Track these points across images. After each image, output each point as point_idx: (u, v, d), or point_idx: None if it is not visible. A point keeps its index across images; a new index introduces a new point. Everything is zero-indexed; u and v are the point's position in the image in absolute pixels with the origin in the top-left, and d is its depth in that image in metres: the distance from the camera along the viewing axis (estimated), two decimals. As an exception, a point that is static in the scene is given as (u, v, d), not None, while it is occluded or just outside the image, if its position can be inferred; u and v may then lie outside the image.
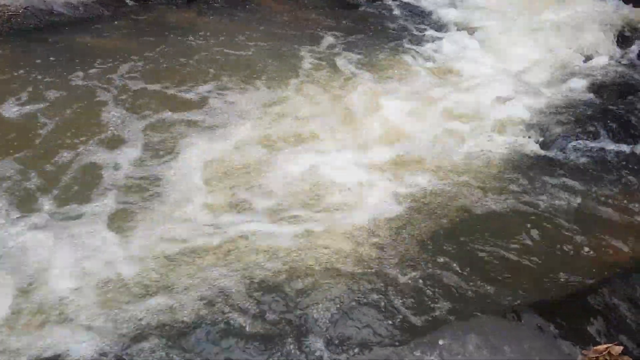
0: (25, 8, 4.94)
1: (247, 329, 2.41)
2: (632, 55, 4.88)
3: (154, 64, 4.39)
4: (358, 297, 2.56)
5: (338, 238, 2.89)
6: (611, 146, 3.63)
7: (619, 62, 4.76)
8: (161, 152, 3.49)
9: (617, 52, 4.91)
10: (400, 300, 2.55)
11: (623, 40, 5.08)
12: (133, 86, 4.10)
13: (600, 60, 4.74)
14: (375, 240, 2.89)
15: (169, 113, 3.84)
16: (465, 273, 2.70)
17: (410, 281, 2.64)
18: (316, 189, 3.25)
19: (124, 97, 3.97)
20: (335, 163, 3.46)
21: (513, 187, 3.31)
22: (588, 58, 4.82)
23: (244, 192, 3.21)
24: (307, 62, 4.58)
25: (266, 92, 4.15)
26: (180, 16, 5.19)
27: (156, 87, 4.12)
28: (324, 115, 3.91)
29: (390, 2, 5.82)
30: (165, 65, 4.38)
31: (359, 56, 4.74)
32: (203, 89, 4.13)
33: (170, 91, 4.09)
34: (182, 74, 4.28)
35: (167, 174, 3.31)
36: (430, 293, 2.59)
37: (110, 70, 4.26)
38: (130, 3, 5.29)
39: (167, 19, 5.12)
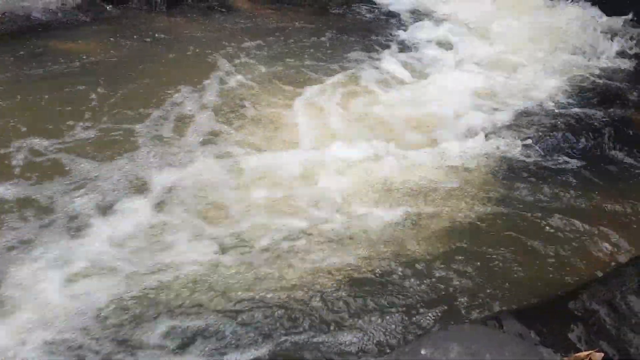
0: (2, 14, 4.88)
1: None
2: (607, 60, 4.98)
3: (119, 69, 4.31)
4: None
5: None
6: (586, 153, 3.67)
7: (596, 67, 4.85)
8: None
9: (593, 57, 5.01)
10: (380, 310, 2.54)
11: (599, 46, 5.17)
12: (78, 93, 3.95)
13: (577, 64, 4.82)
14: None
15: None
16: (444, 280, 2.69)
17: (389, 291, 2.64)
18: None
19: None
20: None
21: (487, 193, 3.30)
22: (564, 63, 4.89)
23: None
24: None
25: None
26: (159, 21, 5.16)
27: (102, 94, 3.96)
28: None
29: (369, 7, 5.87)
30: (128, 72, 4.27)
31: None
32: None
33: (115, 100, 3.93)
34: (141, 84, 4.14)
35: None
36: (410, 301, 2.58)
37: (71, 76, 4.15)
38: (110, 8, 5.25)
39: (147, 24, 5.07)
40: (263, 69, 4.49)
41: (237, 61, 4.55)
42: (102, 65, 4.35)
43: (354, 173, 3.39)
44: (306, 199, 3.17)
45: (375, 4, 5.96)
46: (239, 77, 4.32)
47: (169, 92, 4.01)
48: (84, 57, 4.41)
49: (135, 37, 4.82)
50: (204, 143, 3.56)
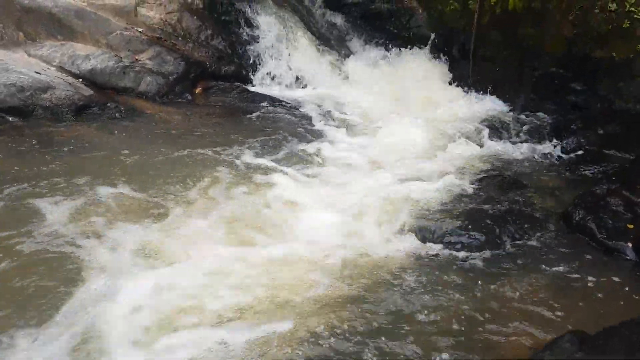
0: None
1: None
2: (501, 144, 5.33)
3: (16, 183, 4.08)
4: None
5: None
6: (489, 237, 3.75)
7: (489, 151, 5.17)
8: None
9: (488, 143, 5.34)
10: None
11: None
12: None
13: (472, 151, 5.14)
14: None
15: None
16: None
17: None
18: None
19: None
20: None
21: (396, 287, 3.27)
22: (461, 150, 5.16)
23: None
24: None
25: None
26: (65, 131, 5.03)
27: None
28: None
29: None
30: (27, 186, 4.04)
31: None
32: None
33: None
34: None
35: None
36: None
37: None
38: (12, 119, 5.09)
39: (51, 135, 4.93)
40: (161, 172, 4.44)
41: (134, 168, 4.46)
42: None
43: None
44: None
45: (286, 105, 6.16)
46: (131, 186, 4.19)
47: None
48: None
49: (37, 148, 4.65)
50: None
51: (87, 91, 5.66)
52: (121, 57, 6.06)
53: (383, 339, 2.86)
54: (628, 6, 5.27)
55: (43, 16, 6.10)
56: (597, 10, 5.51)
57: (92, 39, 6.16)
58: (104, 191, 4.08)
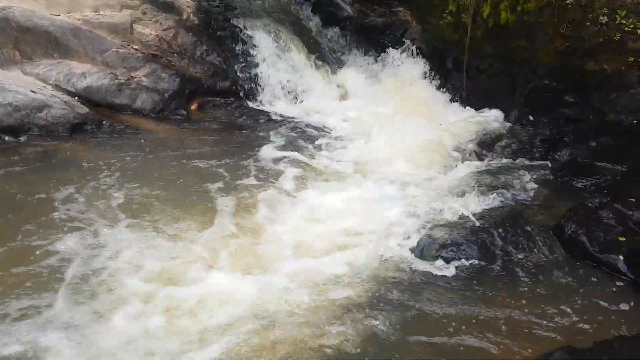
0: None
1: None
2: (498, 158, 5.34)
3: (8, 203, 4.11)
4: None
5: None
6: (485, 252, 3.75)
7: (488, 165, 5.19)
8: None
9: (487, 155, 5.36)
10: None
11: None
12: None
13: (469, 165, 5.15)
14: None
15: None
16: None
17: None
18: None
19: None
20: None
21: (384, 299, 3.30)
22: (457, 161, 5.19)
23: None
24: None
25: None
26: (61, 149, 5.06)
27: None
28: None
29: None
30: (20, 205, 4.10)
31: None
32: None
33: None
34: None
35: None
36: None
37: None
38: (8, 139, 5.12)
39: (47, 153, 4.96)
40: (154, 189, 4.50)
41: (129, 186, 4.50)
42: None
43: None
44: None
45: (281, 119, 6.20)
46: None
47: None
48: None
49: (33, 167, 4.68)
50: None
51: (83, 109, 5.69)
52: (117, 75, 6.10)
53: (371, 351, 2.89)
54: (619, 19, 5.31)
55: (39, 35, 6.14)
56: (588, 24, 5.55)
57: (88, 57, 6.20)
58: (100, 207, 4.14)
